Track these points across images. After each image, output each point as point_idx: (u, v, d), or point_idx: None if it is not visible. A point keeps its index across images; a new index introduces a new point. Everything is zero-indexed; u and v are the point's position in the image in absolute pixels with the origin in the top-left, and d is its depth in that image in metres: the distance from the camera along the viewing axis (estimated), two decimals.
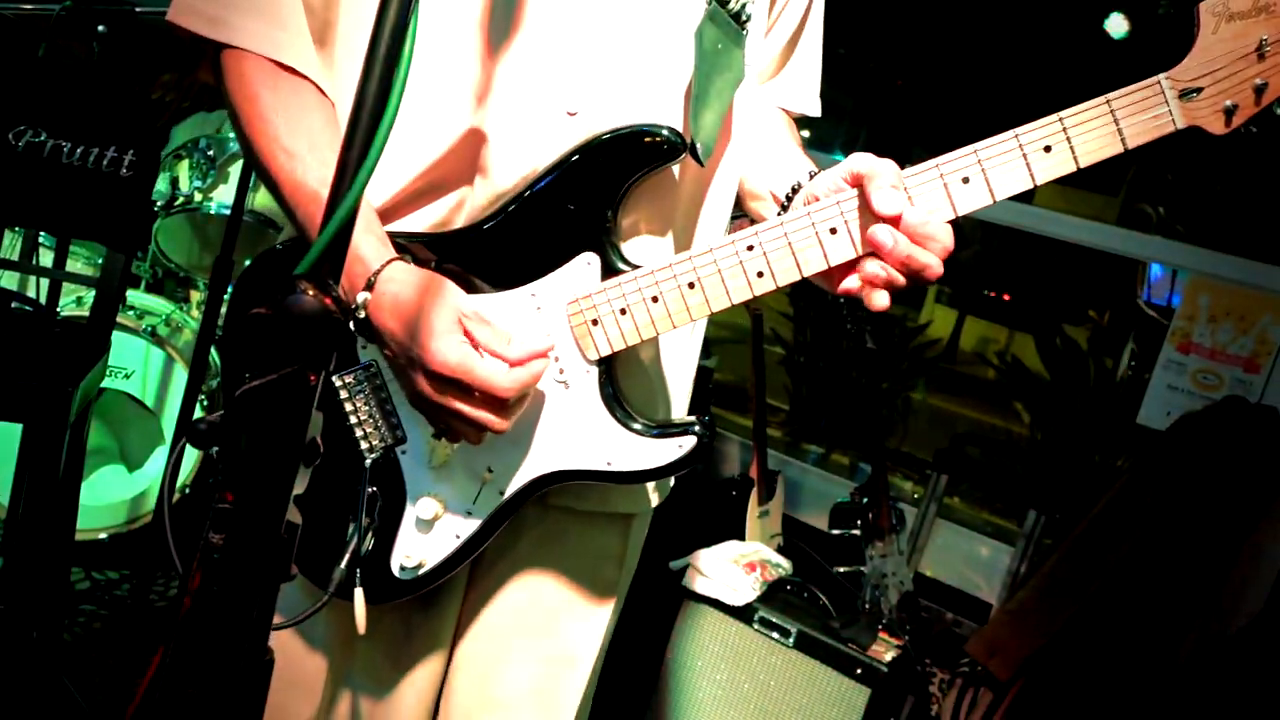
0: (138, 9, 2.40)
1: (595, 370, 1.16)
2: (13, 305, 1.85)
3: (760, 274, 1.11)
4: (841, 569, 2.93)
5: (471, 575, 1.35)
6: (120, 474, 2.90)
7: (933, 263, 1.07)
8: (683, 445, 1.16)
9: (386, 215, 1.18)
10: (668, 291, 1.12)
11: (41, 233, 2.50)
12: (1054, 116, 1.04)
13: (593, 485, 1.21)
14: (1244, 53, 1.01)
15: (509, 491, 1.19)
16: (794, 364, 5.34)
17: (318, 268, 0.64)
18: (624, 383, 1.20)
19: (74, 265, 2.82)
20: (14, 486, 2.50)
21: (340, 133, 1.14)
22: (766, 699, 2.43)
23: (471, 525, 1.20)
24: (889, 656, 2.39)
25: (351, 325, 1.09)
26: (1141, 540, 2.43)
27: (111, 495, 2.86)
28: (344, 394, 1.14)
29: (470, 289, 1.15)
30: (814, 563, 3.06)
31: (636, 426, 1.16)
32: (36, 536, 1.75)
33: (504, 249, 1.16)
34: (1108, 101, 1.03)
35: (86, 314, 2.83)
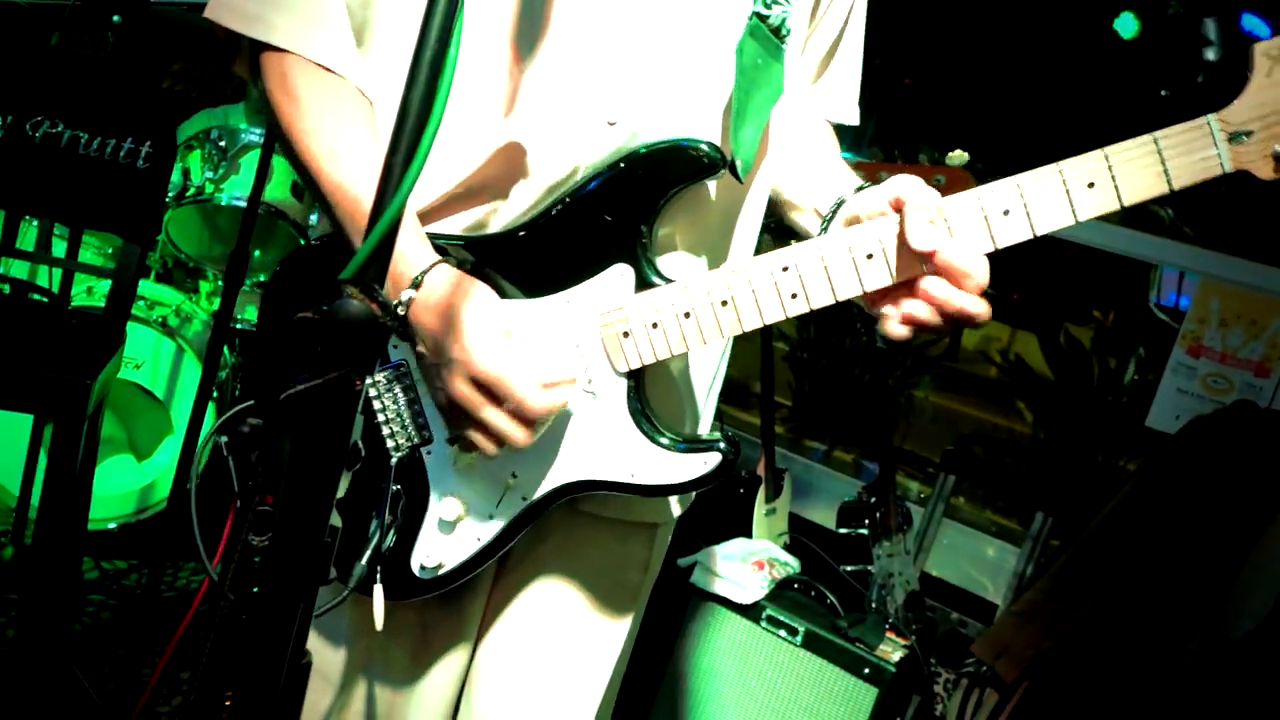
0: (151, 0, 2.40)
1: (624, 382, 1.16)
2: (30, 296, 1.86)
3: (794, 295, 1.10)
4: (849, 568, 2.93)
5: (496, 575, 1.35)
6: (129, 464, 2.90)
7: (971, 306, 1.06)
8: (707, 462, 1.16)
9: (425, 218, 1.19)
10: (700, 308, 1.12)
11: (54, 223, 2.49)
12: (1099, 152, 1.03)
13: (617, 494, 1.21)
14: None
15: (532, 498, 1.19)
16: (797, 360, 5.34)
17: (363, 272, 0.64)
18: (652, 395, 1.20)
19: (83, 255, 2.82)
20: (24, 477, 2.52)
21: (378, 131, 1.16)
22: (773, 697, 2.44)
23: (493, 529, 1.20)
24: (896, 656, 2.40)
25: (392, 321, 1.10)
26: (1149, 543, 2.43)
27: (120, 485, 2.87)
28: (374, 392, 1.15)
29: (505, 293, 1.16)
30: (820, 561, 3.07)
31: (663, 440, 1.16)
32: (53, 528, 1.75)
33: (540, 255, 1.16)
34: (1155, 140, 1.01)
35: (97, 304, 2.83)
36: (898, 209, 1.07)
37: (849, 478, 3.92)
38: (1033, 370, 5.17)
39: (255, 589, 0.67)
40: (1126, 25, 5.82)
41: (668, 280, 1.14)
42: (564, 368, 1.09)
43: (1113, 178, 1.02)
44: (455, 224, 1.20)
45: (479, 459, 1.19)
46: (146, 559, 2.99)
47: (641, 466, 1.17)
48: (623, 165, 1.13)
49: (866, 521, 2.86)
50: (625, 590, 1.39)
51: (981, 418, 6.57)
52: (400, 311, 1.08)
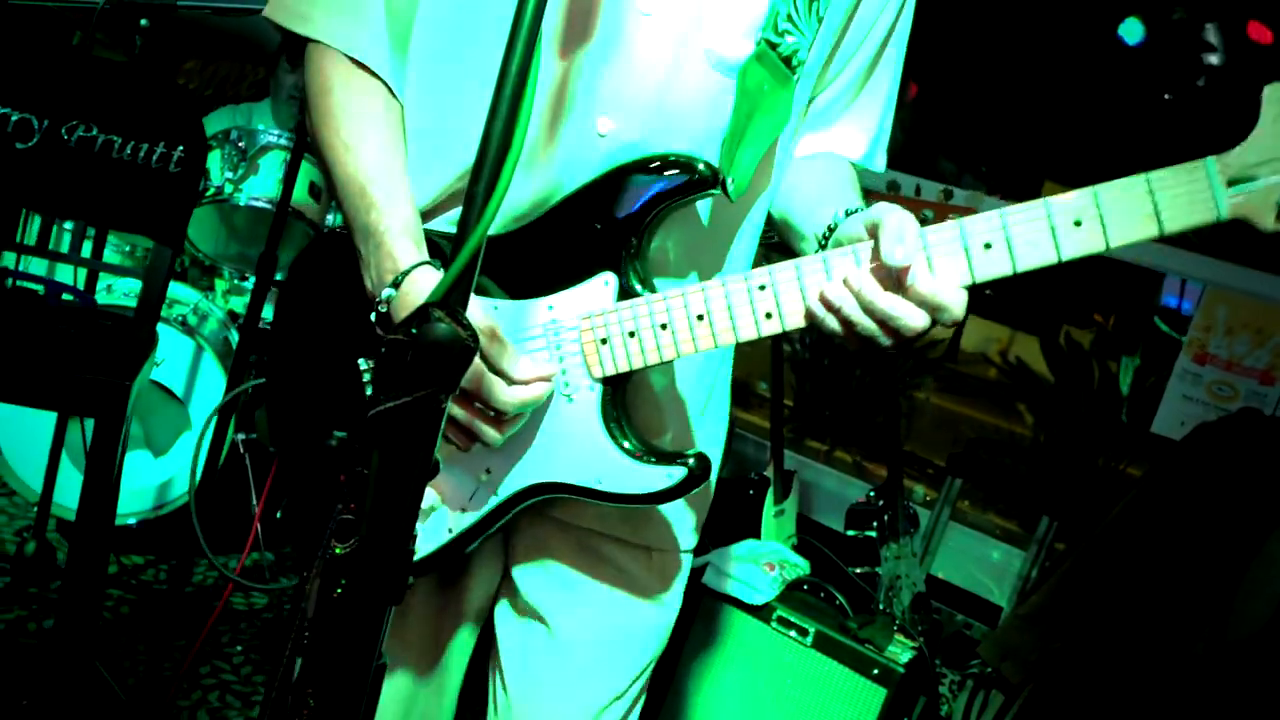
0: (179, 4, 2.43)
1: (599, 388, 1.17)
2: (63, 296, 1.90)
3: (769, 315, 1.11)
4: (857, 570, 2.97)
5: (504, 571, 1.39)
6: (147, 460, 2.93)
7: (908, 325, 1.04)
8: (671, 475, 1.15)
9: (428, 215, 1.24)
10: (677, 320, 1.13)
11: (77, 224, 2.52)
12: (1088, 190, 0.99)
13: (592, 503, 1.22)
14: None
15: (503, 495, 1.22)
16: (799, 360, 5.37)
17: (448, 295, 0.68)
18: (634, 404, 1.22)
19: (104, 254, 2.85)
20: (47, 474, 2.55)
21: (400, 134, 1.22)
22: (783, 697, 2.47)
23: (465, 521, 1.23)
24: (905, 657, 2.43)
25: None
26: (1154, 548, 2.47)
27: (139, 481, 2.90)
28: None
29: (493, 294, 1.19)
30: (828, 562, 3.11)
31: (630, 449, 1.17)
32: (92, 525, 1.79)
33: (529, 258, 1.19)
34: (1147, 180, 0.98)
35: (117, 301, 2.86)
36: (873, 234, 1.06)
37: (854, 478, 3.96)
38: (1034, 373, 5.20)
39: (337, 593, 0.70)
40: (1132, 30, 5.87)
41: (652, 291, 1.15)
42: (535, 367, 1.11)
43: (1100, 216, 0.99)
44: (453, 220, 1.23)
45: (456, 451, 1.21)
46: (165, 554, 3.02)
47: (607, 473, 1.17)
48: (614, 175, 1.15)
49: (875, 524, 2.90)
50: (621, 610, 1.38)
51: (983, 420, 6.60)
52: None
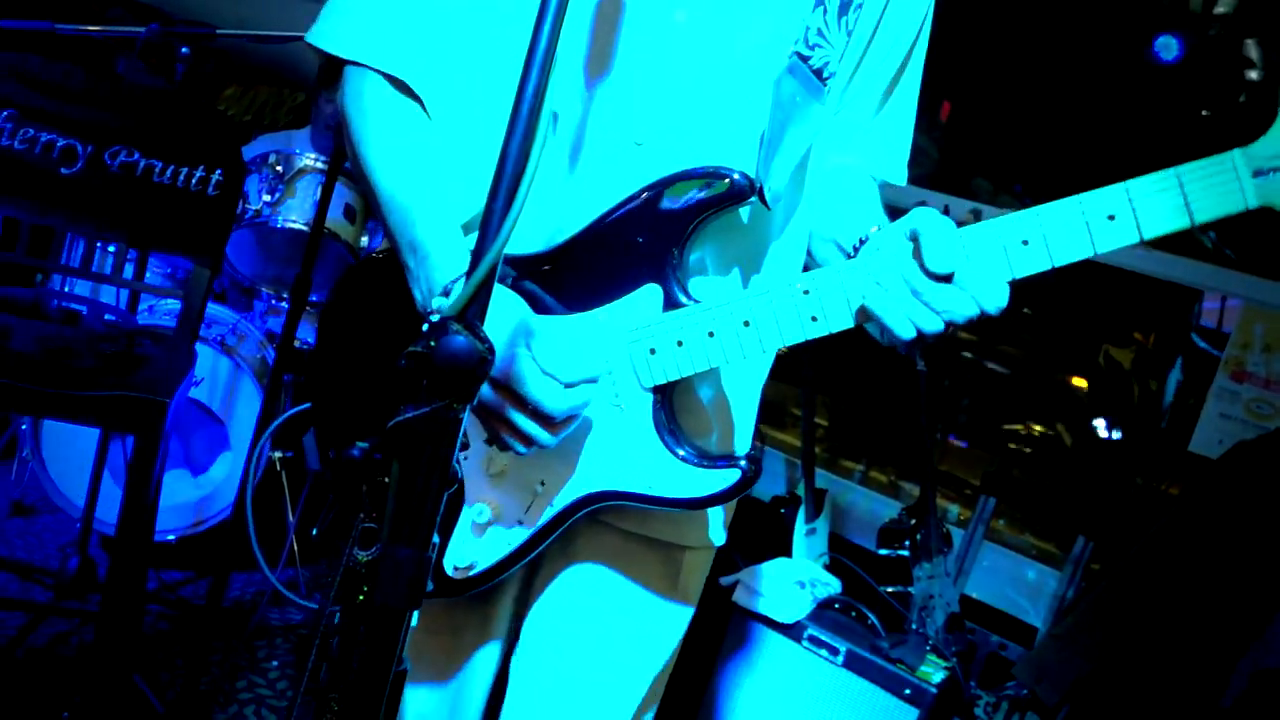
0: (218, 31, 2.50)
1: (650, 397, 1.20)
2: (105, 317, 1.95)
3: (814, 318, 1.14)
4: (889, 589, 2.95)
5: (525, 583, 1.40)
6: (185, 478, 2.99)
7: (959, 313, 1.07)
8: (726, 478, 1.19)
9: (468, 229, 1.24)
10: (724, 328, 1.16)
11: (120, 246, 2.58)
12: (1120, 185, 1.03)
13: (636, 507, 1.24)
14: None
15: (558, 506, 1.24)
16: (830, 384, 5.34)
17: (466, 309, 0.70)
18: (681, 411, 1.24)
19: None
20: (89, 490, 2.61)
21: (436, 148, 1.24)
22: (814, 716, 2.46)
23: (522, 534, 1.25)
24: (937, 677, 2.41)
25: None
26: (1192, 568, 2.44)
27: (178, 498, 2.95)
28: None
29: (541, 309, 1.21)
30: (859, 581, 3.09)
31: (683, 454, 1.20)
32: (132, 540, 1.84)
33: (575, 273, 1.21)
34: (1177, 174, 1.02)
35: (157, 322, 2.93)
36: (914, 240, 1.09)
37: (888, 498, 3.93)
38: (1072, 392, 5.14)
39: (362, 598, 0.72)
40: (1167, 47, 5.80)
41: (696, 301, 1.18)
42: (582, 369, 1.11)
43: (1133, 210, 1.03)
44: None
45: (510, 466, 1.23)
46: (203, 570, 3.07)
47: (662, 480, 1.20)
48: (654, 188, 1.17)
49: (907, 543, 2.88)
50: (651, 606, 1.39)
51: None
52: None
